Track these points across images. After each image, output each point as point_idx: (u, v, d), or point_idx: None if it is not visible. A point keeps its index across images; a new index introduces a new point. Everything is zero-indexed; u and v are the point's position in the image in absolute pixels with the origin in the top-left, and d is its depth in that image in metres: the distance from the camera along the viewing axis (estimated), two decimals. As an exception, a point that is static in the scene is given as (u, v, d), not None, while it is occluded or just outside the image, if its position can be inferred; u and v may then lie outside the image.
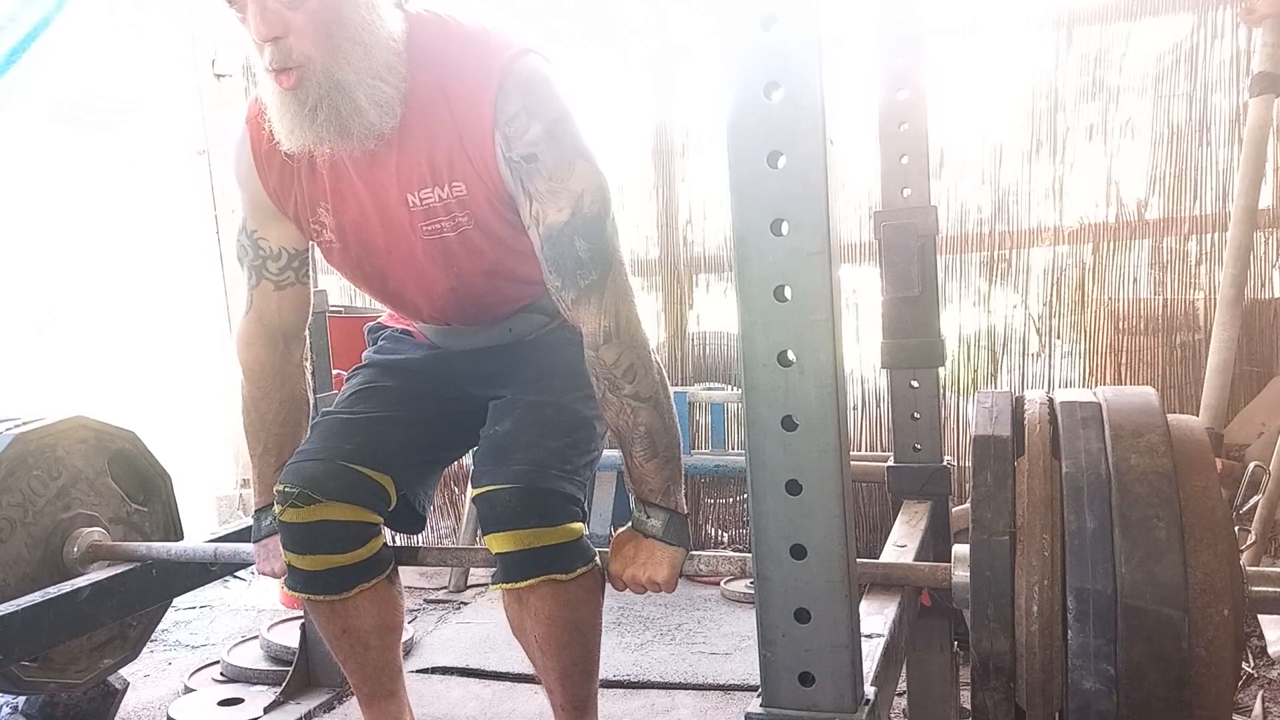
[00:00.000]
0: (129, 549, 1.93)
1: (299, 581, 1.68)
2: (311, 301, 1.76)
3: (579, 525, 1.58)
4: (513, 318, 1.75)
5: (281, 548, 1.66)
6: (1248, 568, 1.10)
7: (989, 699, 1.08)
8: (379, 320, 1.94)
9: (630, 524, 1.58)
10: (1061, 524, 1.05)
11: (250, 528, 1.81)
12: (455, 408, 1.76)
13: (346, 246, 1.62)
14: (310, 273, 1.73)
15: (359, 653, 1.76)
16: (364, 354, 1.88)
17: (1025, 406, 1.19)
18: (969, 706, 1.15)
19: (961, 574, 1.19)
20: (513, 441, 1.58)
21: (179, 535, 2.22)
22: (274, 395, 1.73)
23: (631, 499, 1.57)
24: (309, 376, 1.82)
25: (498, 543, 1.54)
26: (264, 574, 1.76)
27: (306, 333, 1.78)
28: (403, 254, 1.60)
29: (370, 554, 1.68)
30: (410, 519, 1.76)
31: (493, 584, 1.61)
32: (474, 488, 1.58)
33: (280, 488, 1.62)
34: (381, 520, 1.69)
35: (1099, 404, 1.13)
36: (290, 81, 1.39)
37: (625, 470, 1.57)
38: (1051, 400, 1.19)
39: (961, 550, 1.20)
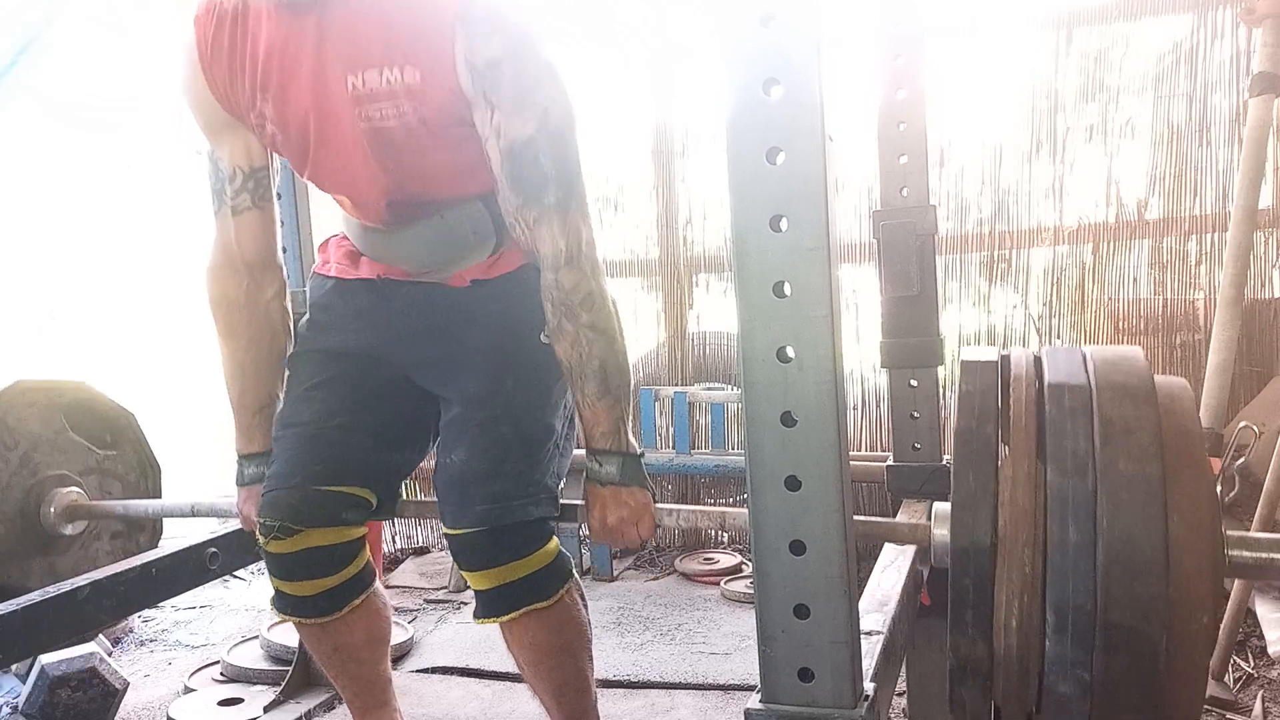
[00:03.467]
0: (107, 507, 1.93)
1: (289, 606, 1.67)
2: (277, 230, 1.66)
3: (552, 545, 1.57)
4: (451, 210, 1.57)
5: (268, 573, 1.65)
6: (1228, 532, 1.07)
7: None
8: (315, 269, 1.78)
9: (586, 478, 1.53)
10: (1044, 536, 1.02)
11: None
12: (409, 406, 1.68)
13: (289, 137, 1.53)
14: (270, 197, 1.63)
15: (350, 668, 1.76)
16: (301, 323, 1.74)
17: (1010, 383, 1.12)
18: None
19: (941, 532, 1.16)
20: (471, 474, 1.53)
21: (155, 470, 2.18)
22: (241, 333, 1.66)
23: (584, 451, 1.53)
24: (289, 314, 1.72)
25: (475, 580, 1.55)
26: (244, 514, 1.73)
27: (281, 265, 1.69)
28: (338, 139, 1.49)
29: (357, 570, 1.68)
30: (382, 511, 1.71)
31: (475, 618, 1.60)
32: (443, 525, 1.57)
33: (261, 520, 1.60)
34: (365, 533, 1.68)
35: (1089, 390, 1.08)
36: None
37: (577, 411, 1.52)
38: (1039, 365, 1.13)
39: (942, 508, 1.17)
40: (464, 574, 1.58)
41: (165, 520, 2.25)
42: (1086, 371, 1.09)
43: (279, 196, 1.69)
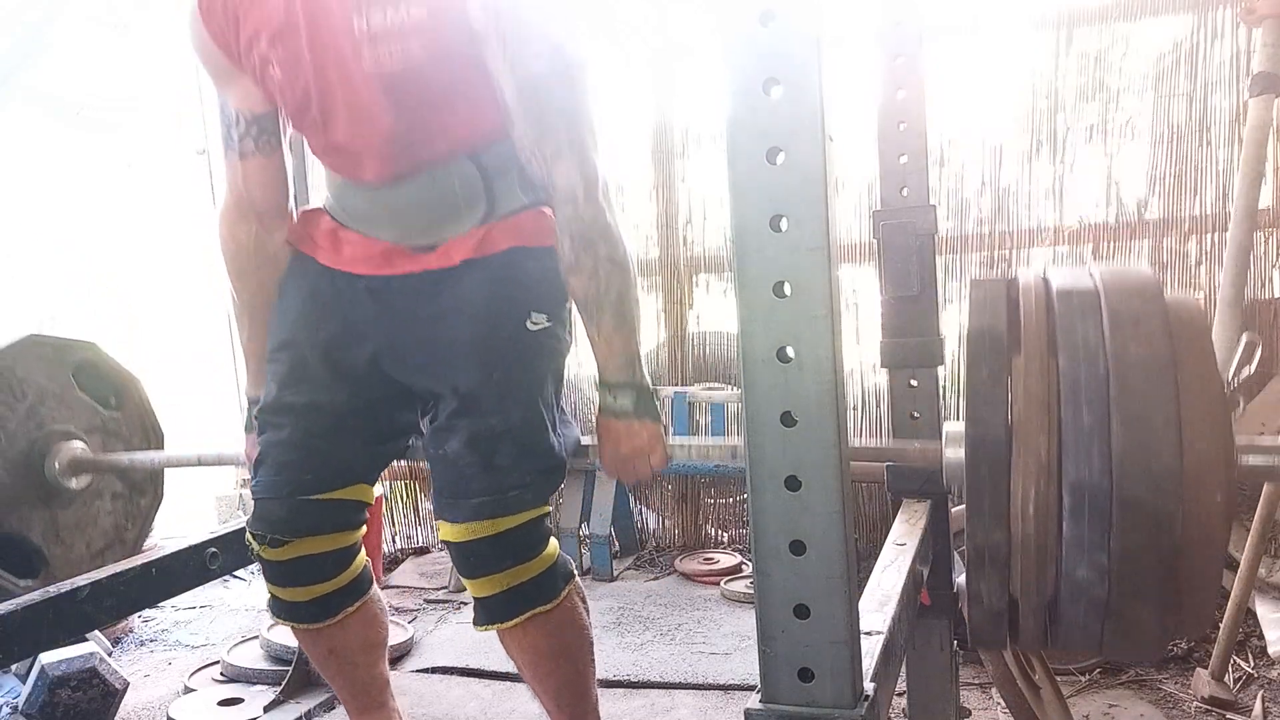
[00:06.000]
0: (112, 460, 1.93)
1: (284, 611, 1.67)
2: (287, 177, 1.64)
3: (552, 547, 1.58)
4: (441, 168, 1.53)
5: (263, 578, 1.66)
6: (1239, 438, 1.09)
7: (984, 587, 1.08)
8: (294, 242, 1.68)
9: (600, 412, 1.54)
10: (1059, 422, 1.03)
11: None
12: (394, 399, 1.65)
13: (292, 83, 1.49)
14: (277, 144, 1.61)
15: (346, 670, 1.76)
16: (282, 300, 1.67)
17: (1020, 293, 1.15)
18: (968, 706, 1.15)
19: (952, 453, 1.18)
20: (464, 469, 1.52)
21: (157, 435, 2.19)
22: (250, 277, 1.65)
23: (597, 386, 1.54)
24: None
25: (477, 587, 1.54)
26: (250, 458, 1.71)
27: (291, 212, 1.67)
28: (342, 84, 1.46)
29: (353, 576, 1.68)
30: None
31: (475, 625, 1.59)
32: (439, 522, 1.55)
33: (250, 531, 1.61)
34: (361, 536, 1.68)
35: (1097, 292, 1.10)
36: None
37: (591, 346, 1.52)
38: (1047, 284, 1.16)
39: (953, 429, 1.19)
40: (465, 581, 1.56)
41: (164, 523, 2.24)
42: (1092, 278, 1.13)
43: (291, 148, 1.67)
